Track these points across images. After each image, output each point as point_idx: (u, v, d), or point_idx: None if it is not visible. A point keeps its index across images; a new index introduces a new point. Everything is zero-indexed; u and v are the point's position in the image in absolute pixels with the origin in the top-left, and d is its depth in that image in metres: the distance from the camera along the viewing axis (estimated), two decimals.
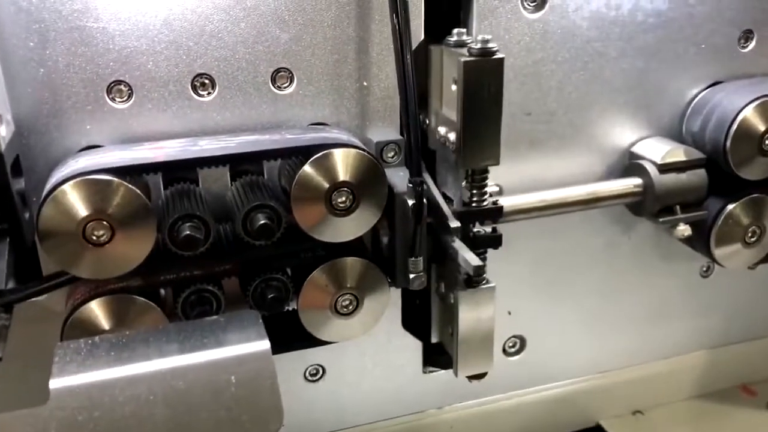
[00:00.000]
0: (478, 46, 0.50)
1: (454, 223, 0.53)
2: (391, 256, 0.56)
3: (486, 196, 0.55)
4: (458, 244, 0.53)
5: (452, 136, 0.53)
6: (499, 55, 0.50)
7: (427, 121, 0.58)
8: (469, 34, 0.55)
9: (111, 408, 0.42)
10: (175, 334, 0.46)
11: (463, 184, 0.55)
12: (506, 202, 0.58)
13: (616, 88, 0.62)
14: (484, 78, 0.50)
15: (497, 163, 0.53)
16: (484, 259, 0.56)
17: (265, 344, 0.45)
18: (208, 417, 0.43)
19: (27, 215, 0.48)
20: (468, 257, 0.52)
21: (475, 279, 0.56)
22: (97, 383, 0.42)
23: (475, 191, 0.54)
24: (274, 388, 0.44)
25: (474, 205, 0.55)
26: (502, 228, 0.58)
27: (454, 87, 0.52)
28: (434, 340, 0.64)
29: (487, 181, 0.55)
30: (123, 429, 0.42)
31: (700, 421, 0.77)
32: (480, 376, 0.60)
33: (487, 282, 0.56)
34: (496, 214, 0.56)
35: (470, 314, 0.56)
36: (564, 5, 0.58)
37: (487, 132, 0.52)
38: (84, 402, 0.42)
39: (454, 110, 0.52)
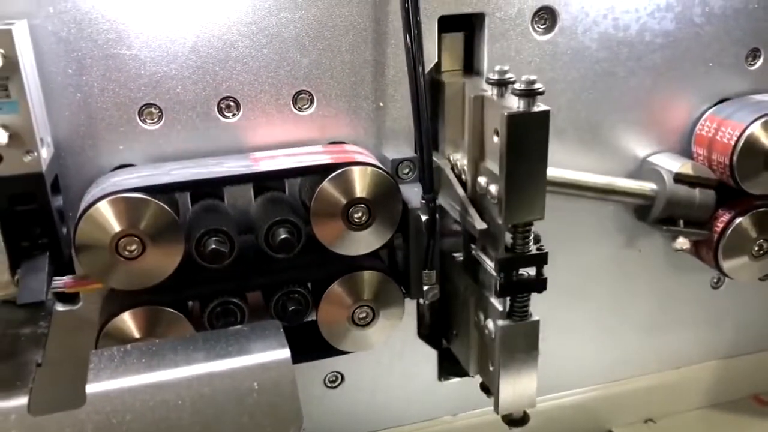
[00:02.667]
0: (523, 86, 0.47)
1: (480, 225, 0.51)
2: (405, 269, 0.59)
3: (530, 244, 0.53)
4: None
5: (494, 189, 0.51)
6: (543, 107, 0.48)
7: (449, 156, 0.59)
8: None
9: (142, 412, 0.45)
10: (201, 342, 0.49)
11: (507, 235, 0.52)
12: None
13: (625, 106, 0.65)
14: (530, 131, 0.48)
15: (542, 217, 0.51)
16: (527, 302, 0.55)
17: (285, 353, 0.48)
18: (232, 421, 0.46)
19: (64, 230, 0.52)
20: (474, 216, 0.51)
21: (518, 312, 0.54)
22: (129, 388, 0.45)
23: (519, 241, 0.52)
24: (294, 395, 0.47)
25: (518, 250, 0.52)
26: None
27: (495, 138, 0.50)
28: (472, 374, 0.61)
29: (530, 232, 0.53)
30: None
31: (712, 431, 0.78)
32: (522, 423, 0.58)
33: (531, 315, 0.55)
34: (541, 260, 0.53)
35: (512, 349, 0.54)
36: (573, 27, 0.61)
37: (533, 186, 0.50)
38: (117, 406, 0.45)
39: (497, 162, 0.50)
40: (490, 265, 0.54)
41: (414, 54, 0.53)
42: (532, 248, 0.53)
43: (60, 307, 0.57)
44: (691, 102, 0.66)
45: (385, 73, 0.58)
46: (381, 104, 0.59)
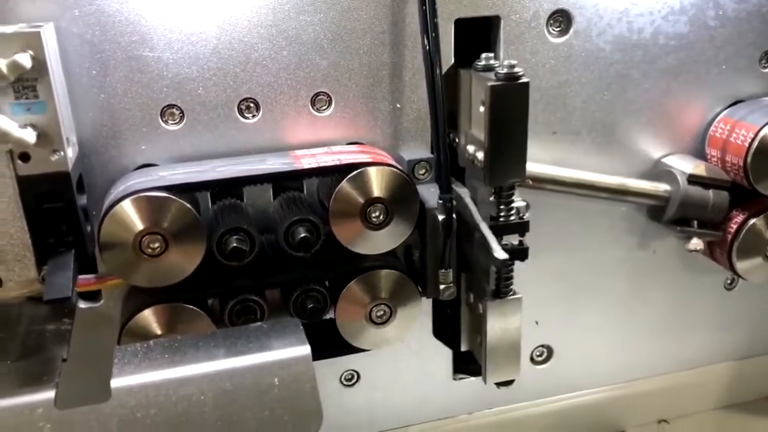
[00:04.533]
0: (505, 70, 0.53)
1: (501, 255, 0.54)
2: (422, 268, 0.59)
3: (513, 212, 0.58)
4: (486, 233, 0.55)
5: (480, 155, 0.56)
6: (524, 80, 0.53)
7: (457, 140, 0.62)
8: (496, 58, 0.58)
9: (166, 406, 0.46)
10: (222, 339, 0.50)
11: (491, 199, 0.57)
12: (542, 169, 0.62)
13: (638, 108, 0.65)
14: (510, 101, 0.53)
15: (523, 179, 0.56)
16: (511, 270, 0.59)
17: (305, 349, 0.49)
18: (253, 416, 0.47)
19: (88, 228, 0.53)
20: (494, 247, 0.54)
21: (503, 290, 0.59)
22: (153, 383, 0.46)
23: (502, 207, 0.57)
24: (314, 391, 0.48)
25: (502, 219, 0.58)
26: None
27: (481, 109, 0.54)
28: (464, 348, 0.66)
29: (514, 197, 0.57)
30: (176, 426, 0.46)
31: None
32: (508, 383, 0.63)
33: (514, 293, 0.59)
34: (523, 228, 0.58)
35: (498, 323, 0.59)
36: (588, 30, 0.61)
37: (513, 151, 0.54)
38: (142, 400, 0.45)
39: (482, 131, 0.54)
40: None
41: (431, 56, 0.54)
42: (514, 218, 0.58)
43: (82, 305, 0.58)
44: (705, 104, 0.67)
45: (402, 74, 0.59)
46: (398, 105, 0.59)
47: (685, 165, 0.66)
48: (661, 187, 0.66)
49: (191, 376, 0.47)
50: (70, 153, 0.49)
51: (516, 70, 0.53)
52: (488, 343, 0.60)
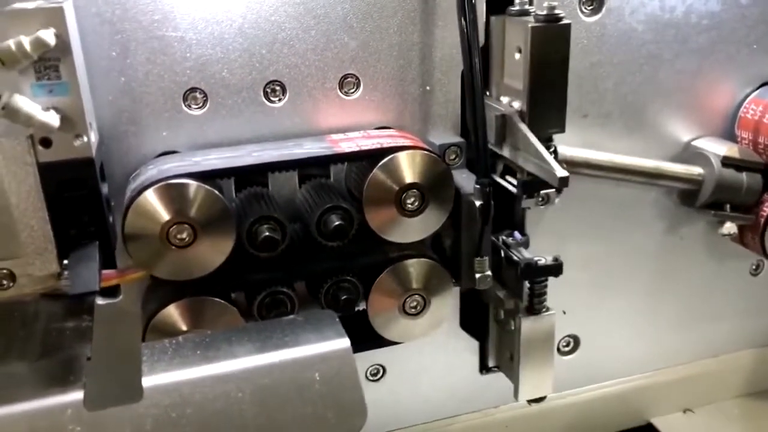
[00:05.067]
0: (544, 12, 0.50)
1: (562, 173, 0.50)
2: (454, 257, 0.57)
3: None
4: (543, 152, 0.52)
5: (517, 105, 0.53)
6: (565, 21, 0.50)
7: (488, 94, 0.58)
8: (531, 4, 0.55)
9: (202, 405, 0.43)
10: (256, 333, 0.48)
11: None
12: (576, 153, 0.60)
13: (670, 89, 0.63)
14: (552, 43, 0.50)
15: (563, 130, 0.53)
16: (545, 287, 0.57)
17: (345, 342, 0.46)
18: (295, 413, 0.44)
19: (110, 219, 0.50)
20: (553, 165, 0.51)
21: (536, 306, 0.57)
22: (187, 381, 0.44)
23: None
24: (357, 385, 0.45)
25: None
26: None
27: (517, 56, 0.52)
28: (491, 364, 0.65)
29: (552, 151, 0.54)
30: (214, 426, 0.43)
31: (751, 420, 0.77)
32: (540, 400, 0.61)
33: (548, 309, 0.58)
34: (563, 182, 0.53)
35: (531, 340, 0.58)
36: (621, 8, 0.59)
37: (554, 99, 0.52)
38: (176, 399, 0.43)
39: (520, 79, 0.52)
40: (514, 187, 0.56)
41: (469, 37, 0.51)
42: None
43: (101, 301, 0.55)
44: (735, 85, 0.65)
45: (433, 55, 0.56)
46: (428, 88, 0.57)
47: (717, 147, 0.64)
48: (695, 170, 0.64)
49: (227, 373, 0.44)
50: (93, 138, 0.46)
51: (557, 11, 0.50)
52: (521, 361, 0.58)
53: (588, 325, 0.71)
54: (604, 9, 0.59)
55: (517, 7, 0.53)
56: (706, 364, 0.77)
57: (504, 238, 0.59)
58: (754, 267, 0.75)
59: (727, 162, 0.63)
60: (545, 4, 0.50)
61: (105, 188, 0.49)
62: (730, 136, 0.67)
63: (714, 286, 0.74)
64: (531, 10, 0.52)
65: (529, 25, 0.50)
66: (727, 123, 0.67)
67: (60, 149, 0.44)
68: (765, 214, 0.65)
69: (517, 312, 0.58)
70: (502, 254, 0.58)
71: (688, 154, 0.66)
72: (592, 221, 0.66)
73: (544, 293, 0.58)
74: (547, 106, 0.52)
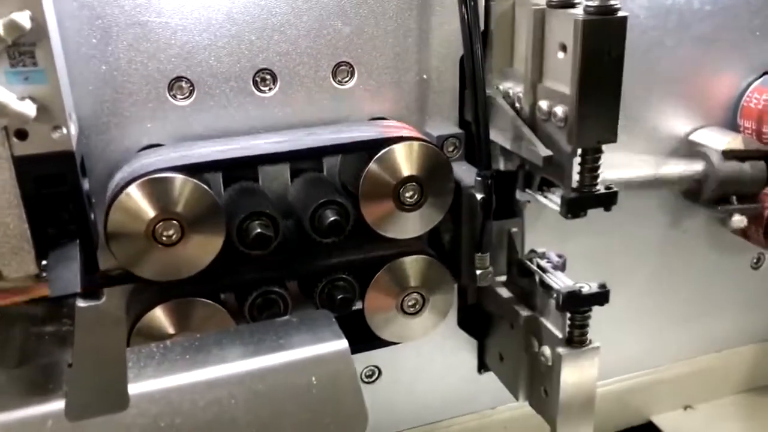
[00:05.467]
0: (596, 2, 0.43)
1: (545, 152, 0.47)
2: (453, 253, 0.55)
3: (599, 180, 0.49)
4: (525, 131, 0.48)
5: (560, 111, 0.47)
6: (622, 13, 0.44)
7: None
8: None
9: (192, 413, 0.41)
10: (248, 335, 0.45)
11: (576, 165, 0.49)
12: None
13: (672, 77, 0.62)
14: (606, 40, 0.44)
15: (615, 140, 0.47)
16: (588, 317, 0.52)
17: (343, 344, 0.44)
18: (292, 420, 0.42)
19: (92, 216, 0.47)
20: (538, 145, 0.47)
21: (577, 338, 0.52)
22: (175, 388, 0.41)
23: (587, 174, 0.48)
24: (357, 389, 0.43)
25: (585, 190, 0.49)
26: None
27: (561, 55, 0.46)
28: (521, 400, 0.59)
29: (600, 163, 0.48)
30: None
31: (752, 416, 0.76)
32: None
33: (591, 342, 0.52)
34: (611, 200, 0.49)
35: (572, 377, 0.52)
36: None
37: (606, 104, 0.46)
38: (164, 407, 0.40)
39: (564, 81, 0.46)
40: (555, 205, 0.50)
41: (469, 23, 0.49)
42: (600, 187, 0.49)
43: (82, 303, 0.52)
44: (739, 72, 0.64)
45: (430, 42, 0.54)
46: (425, 77, 0.55)
47: (717, 140, 0.62)
48: (696, 168, 0.62)
49: (218, 378, 0.42)
50: (74, 130, 0.43)
51: (611, 1, 0.43)
52: (561, 400, 0.52)
53: (591, 322, 0.69)
54: None
55: None
56: (706, 359, 0.76)
57: (538, 260, 0.54)
58: (755, 261, 0.73)
59: (728, 154, 0.61)
60: None
61: (86, 184, 0.46)
62: (732, 125, 0.65)
63: (715, 279, 0.72)
64: (577, 1, 0.46)
65: (579, 19, 0.43)
66: (728, 112, 0.65)
67: (37, 142, 0.41)
68: None
69: (554, 343, 0.52)
70: (537, 279, 0.53)
71: (689, 147, 0.64)
72: (593, 215, 0.63)
73: (587, 324, 0.52)
74: (598, 112, 0.46)
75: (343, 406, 0.43)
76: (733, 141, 0.62)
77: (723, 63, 0.63)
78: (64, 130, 0.41)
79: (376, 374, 0.63)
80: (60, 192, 0.42)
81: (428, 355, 0.64)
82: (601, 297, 0.51)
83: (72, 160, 0.42)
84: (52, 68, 0.40)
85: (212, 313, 0.49)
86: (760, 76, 0.64)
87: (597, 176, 0.49)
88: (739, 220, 0.62)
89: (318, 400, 0.42)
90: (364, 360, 0.62)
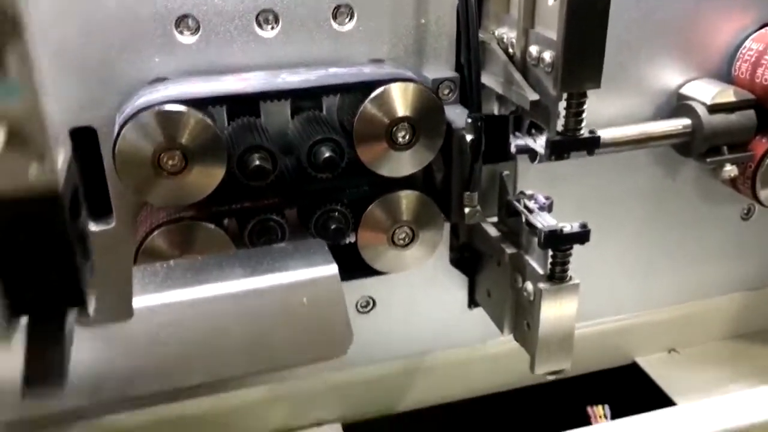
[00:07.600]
0: None
1: (533, 96, 0.50)
2: (444, 191, 0.58)
3: (583, 125, 0.52)
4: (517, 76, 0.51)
5: (548, 56, 0.50)
6: None
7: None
8: None
9: (191, 326, 0.44)
10: (246, 259, 0.49)
11: (561, 109, 0.51)
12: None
13: (667, 29, 0.63)
14: None
15: (598, 86, 0.50)
16: (569, 255, 0.55)
17: (333, 268, 0.47)
18: (281, 336, 0.46)
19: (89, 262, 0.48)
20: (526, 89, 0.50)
21: (558, 274, 0.54)
22: (177, 303, 0.45)
23: (572, 119, 0.51)
24: (344, 310, 0.47)
25: (570, 133, 0.52)
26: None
27: (551, 1, 0.49)
28: (506, 334, 0.61)
29: (584, 108, 0.51)
30: (202, 346, 0.44)
31: (735, 361, 0.78)
32: (558, 372, 0.59)
33: (571, 278, 0.55)
34: (594, 144, 0.53)
35: (552, 311, 0.55)
36: None
37: (591, 52, 0.49)
38: (165, 319, 0.44)
39: (552, 28, 0.49)
40: (541, 147, 0.53)
41: None
42: (584, 132, 0.52)
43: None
44: (734, 26, 0.64)
45: None
46: (422, 21, 0.57)
47: (705, 93, 0.63)
48: (683, 123, 0.63)
49: (216, 296, 0.45)
50: (61, 158, 0.31)
51: None
52: (540, 333, 0.55)
53: (576, 265, 0.71)
54: None
55: None
56: (692, 305, 0.78)
57: (526, 201, 0.56)
58: (745, 212, 0.75)
59: (714, 108, 0.62)
60: None
61: (79, 225, 0.34)
62: (727, 77, 0.66)
63: (703, 229, 0.74)
64: None
65: None
66: (724, 64, 0.66)
67: (8, 178, 0.30)
68: (758, 156, 0.65)
69: (536, 279, 0.55)
70: (523, 219, 0.56)
71: (677, 101, 0.65)
72: (584, 162, 0.66)
73: (568, 261, 0.55)
74: (584, 59, 0.49)
75: (331, 325, 0.46)
76: (718, 95, 0.63)
77: (720, 15, 0.63)
78: (47, 164, 0.30)
79: (371, 305, 0.67)
80: (39, 243, 0.31)
81: (421, 289, 0.67)
82: (582, 236, 0.54)
83: (57, 203, 0.31)
84: (30, 76, 0.28)
85: (214, 238, 0.53)
86: (759, 29, 0.65)
87: (581, 120, 0.52)
88: (730, 170, 0.64)
89: (307, 318, 0.46)
90: (359, 291, 0.66)
